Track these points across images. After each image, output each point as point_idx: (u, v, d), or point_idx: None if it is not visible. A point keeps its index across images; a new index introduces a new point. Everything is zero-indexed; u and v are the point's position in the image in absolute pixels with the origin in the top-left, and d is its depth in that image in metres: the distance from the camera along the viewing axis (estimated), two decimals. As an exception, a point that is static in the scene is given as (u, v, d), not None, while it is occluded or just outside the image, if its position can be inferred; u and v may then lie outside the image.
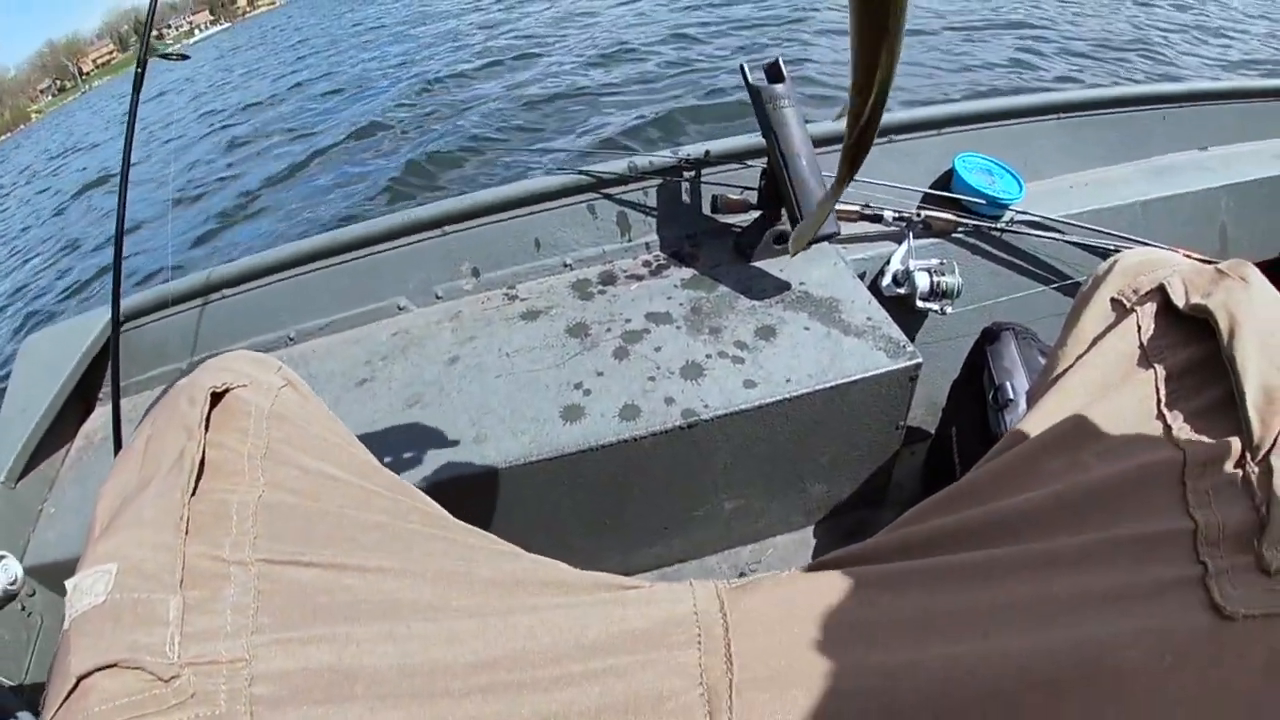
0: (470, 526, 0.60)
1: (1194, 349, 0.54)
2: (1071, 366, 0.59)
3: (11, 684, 1.10)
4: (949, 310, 1.48)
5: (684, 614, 0.49)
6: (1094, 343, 0.60)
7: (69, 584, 0.46)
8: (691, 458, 1.21)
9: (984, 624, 0.44)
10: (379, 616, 0.48)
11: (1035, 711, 0.40)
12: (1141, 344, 0.57)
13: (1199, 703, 0.39)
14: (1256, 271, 0.56)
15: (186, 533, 0.48)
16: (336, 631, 0.46)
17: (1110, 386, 0.55)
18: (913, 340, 1.59)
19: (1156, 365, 0.54)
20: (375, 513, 0.56)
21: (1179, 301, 0.56)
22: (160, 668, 0.41)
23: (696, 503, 1.30)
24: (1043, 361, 1.38)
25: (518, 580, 0.52)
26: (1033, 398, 0.62)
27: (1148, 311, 0.58)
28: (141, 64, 1.17)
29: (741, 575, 1.36)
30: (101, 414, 1.46)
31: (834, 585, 0.48)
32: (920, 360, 1.23)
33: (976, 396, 1.38)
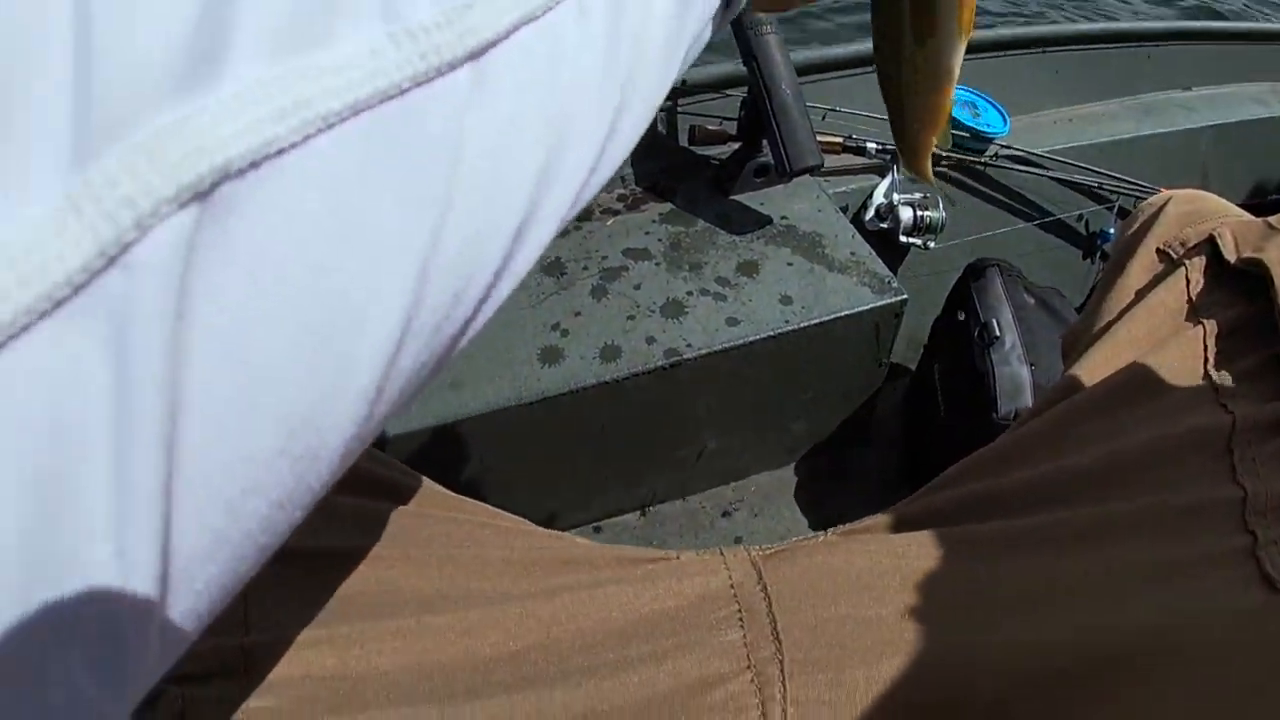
0: (471, 500, 0.54)
1: (1242, 306, 0.51)
2: (1117, 320, 0.57)
3: None
4: (932, 245, 1.46)
5: (720, 588, 0.45)
6: (1138, 295, 0.57)
7: None
8: (674, 397, 1.19)
9: (1045, 598, 0.42)
10: (383, 611, 0.43)
11: (1099, 692, 0.39)
12: (1190, 298, 0.54)
13: (1251, 679, 0.37)
14: None
15: None
16: (337, 631, 0.42)
17: (1156, 343, 0.53)
18: (895, 275, 1.57)
19: (1205, 321, 0.52)
20: (361, 490, 0.50)
21: (1229, 256, 0.54)
22: None
23: (679, 442, 1.28)
24: (1028, 299, 1.38)
25: (533, 560, 0.47)
26: (1070, 345, 0.59)
27: (1196, 265, 0.55)
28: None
29: (725, 515, 1.37)
30: None
31: (877, 554, 0.46)
32: (906, 296, 1.21)
33: (960, 333, 1.37)
